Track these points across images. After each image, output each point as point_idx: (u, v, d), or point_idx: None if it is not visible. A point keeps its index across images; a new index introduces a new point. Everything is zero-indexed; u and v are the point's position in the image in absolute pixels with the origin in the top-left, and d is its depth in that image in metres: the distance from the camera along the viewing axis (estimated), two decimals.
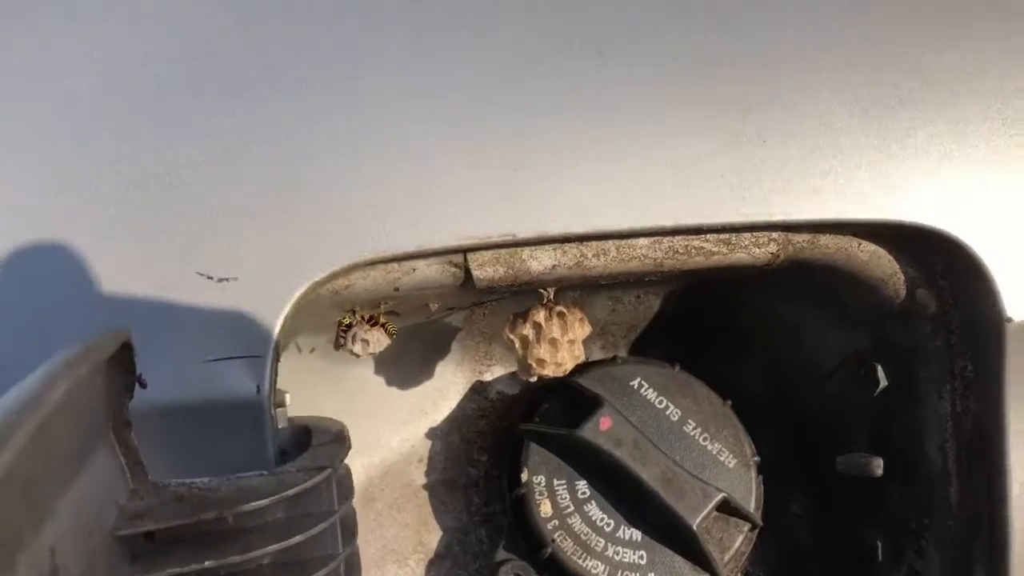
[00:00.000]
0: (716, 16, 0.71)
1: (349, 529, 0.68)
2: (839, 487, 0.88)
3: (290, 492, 0.59)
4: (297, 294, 0.66)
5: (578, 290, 0.84)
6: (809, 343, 0.89)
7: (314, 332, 0.86)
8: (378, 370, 0.94)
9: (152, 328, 0.64)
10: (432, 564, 0.93)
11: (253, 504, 0.57)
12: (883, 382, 0.80)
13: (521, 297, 0.82)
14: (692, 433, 0.85)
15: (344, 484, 0.68)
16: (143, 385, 0.58)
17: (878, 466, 0.80)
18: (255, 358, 0.66)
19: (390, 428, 0.96)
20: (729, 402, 0.87)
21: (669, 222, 0.69)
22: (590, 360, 0.93)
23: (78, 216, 0.64)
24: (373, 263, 0.68)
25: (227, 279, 0.65)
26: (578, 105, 0.68)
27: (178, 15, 0.68)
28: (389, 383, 0.94)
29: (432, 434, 0.97)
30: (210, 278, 0.65)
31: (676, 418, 0.85)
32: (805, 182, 0.70)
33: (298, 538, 0.58)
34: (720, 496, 0.81)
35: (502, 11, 0.70)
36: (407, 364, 0.94)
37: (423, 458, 0.96)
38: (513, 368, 0.98)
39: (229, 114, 0.66)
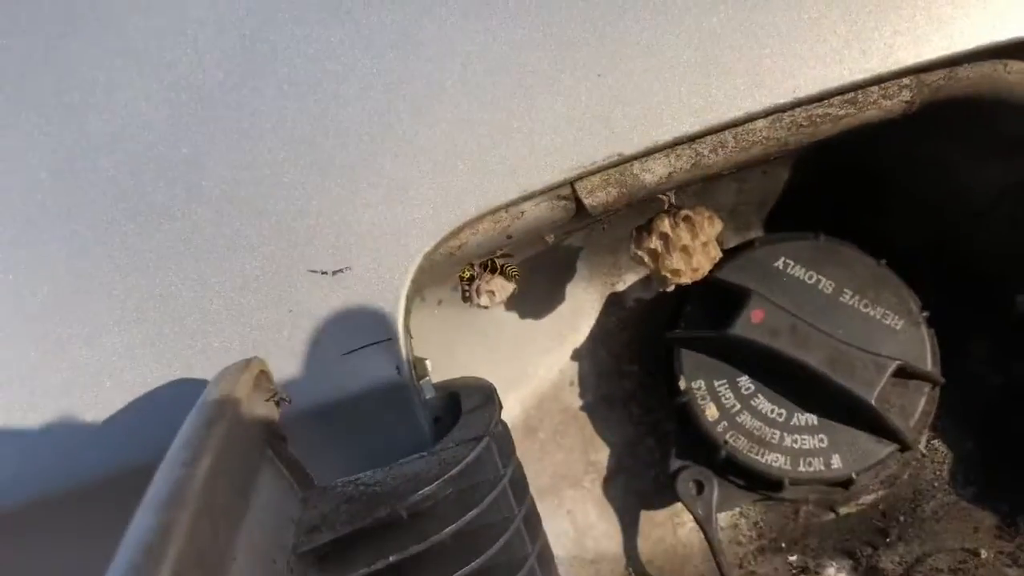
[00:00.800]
0: None
1: (520, 486, 0.67)
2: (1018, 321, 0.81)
3: (454, 471, 0.58)
4: (412, 269, 0.64)
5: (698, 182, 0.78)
6: (961, 180, 0.81)
7: (438, 284, 0.84)
8: (509, 306, 0.91)
9: (282, 336, 0.63)
10: (607, 481, 0.93)
11: (422, 492, 0.56)
12: None
13: (638, 208, 0.77)
14: (850, 303, 0.79)
15: (504, 444, 0.67)
16: (288, 402, 0.58)
17: None
18: (387, 341, 0.64)
19: (534, 359, 0.94)
20: (884, 261, 0.81)
21: (788, 98, 0.62)
22: (725, 249, 0.87)
23: (182, 240, 0.63)
24: (480, 219, 0.65)
25: (341, 270, 0.63)
26: None
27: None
28: (523, 316, 0.92)
29: (577, 355, 0.94)
30: (324, 273, 0.63)
31: (830, 291, 0.80)
32: (931, 13, 0.61)
33: (472, 513, 0.58)
34: (894, 364, 0.75)
35: None
36: (536, 293, 0.92)
37: (574, 380, 0.95)
38: (645, 271, 0.94)
39: (319, 113, 0.63)
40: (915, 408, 0.78)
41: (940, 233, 0.87)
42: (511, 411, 0.94)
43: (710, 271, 0.78)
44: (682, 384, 0.82)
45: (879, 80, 0.63)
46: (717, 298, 0.81)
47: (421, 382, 0.68)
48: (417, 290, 0.72)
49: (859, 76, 0.62)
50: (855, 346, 0.76)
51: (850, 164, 0.85)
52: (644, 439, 0.93)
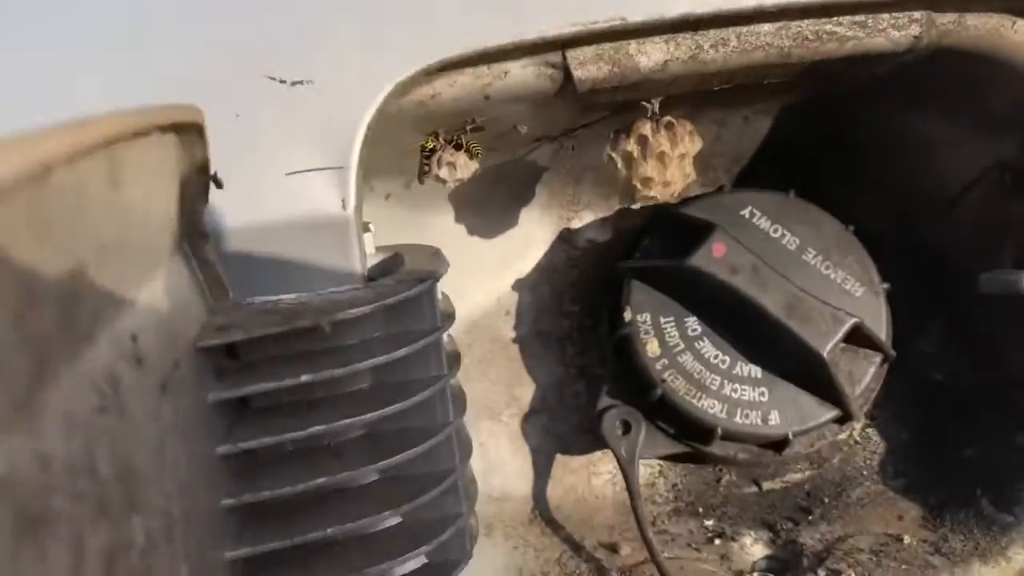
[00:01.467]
0: None
1: (454, 356, 0.62)
2: (979, 315, 0.79)
3: (391, 301, 0.52)
4: (381, 96, 0.58)
5: (683, 108, 0.75)
6: (941, 160, 0.80)
7: (391, 174, 0.78)
8: (459, 218, 0.86)
9: (222, 140, 0.57)
10: (527, 419, 0.87)
11: (352, 311, 0.50)
12: None
13: (619, 119, 0.74)
14: (812, 262, 0.77)
15: (446, 308, 0.61)
16: (218, 184, 0.51)
17: None
18: (337, 169, 0.58)
19: (475, 281, 0.89)
20: (852, 227, 0.78)
21: None
22: (689, 196, 0.84)
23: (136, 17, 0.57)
24: (463, 63, 0.60)
25: (301, 83, 0.58)
26: None
27: None
28: (471, 232, 0.87)
29: (519, 286, 0.90)
30: (282, 82, 0.58)
31: (794, 247, 0.77)
32: None
33: (404, 351, 0.52)
34: (852, 321, 0.73)
35: None
36: (490, 211, 0.87)
37: (511, 311, 0.90)
38: (603, 214, 0.90)
39: None
40: (863, 376, 0.76)
41: (911, 216, 0.85)
42: None
43: (675, 204, 0.75)
44: (627, 315, 0.77)
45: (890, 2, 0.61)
46: (677, 232, 0.78)
47: (364, 235, 0.63)
48: (374, 155, 0.67)
49: None
50: (815, 296, 0.73)
51: (832, 128, 0.83)
52: (574, 382, 0.88)
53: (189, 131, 0.46)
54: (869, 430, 0.86)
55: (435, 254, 0.64)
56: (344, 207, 0.59)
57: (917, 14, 0.63)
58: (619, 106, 0.71)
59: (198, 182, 0.50)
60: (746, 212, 0.78)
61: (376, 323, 0.55)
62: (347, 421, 0.51)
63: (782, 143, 0.85)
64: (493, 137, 0.73)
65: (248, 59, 0.57)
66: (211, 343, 0.48)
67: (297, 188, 0.58)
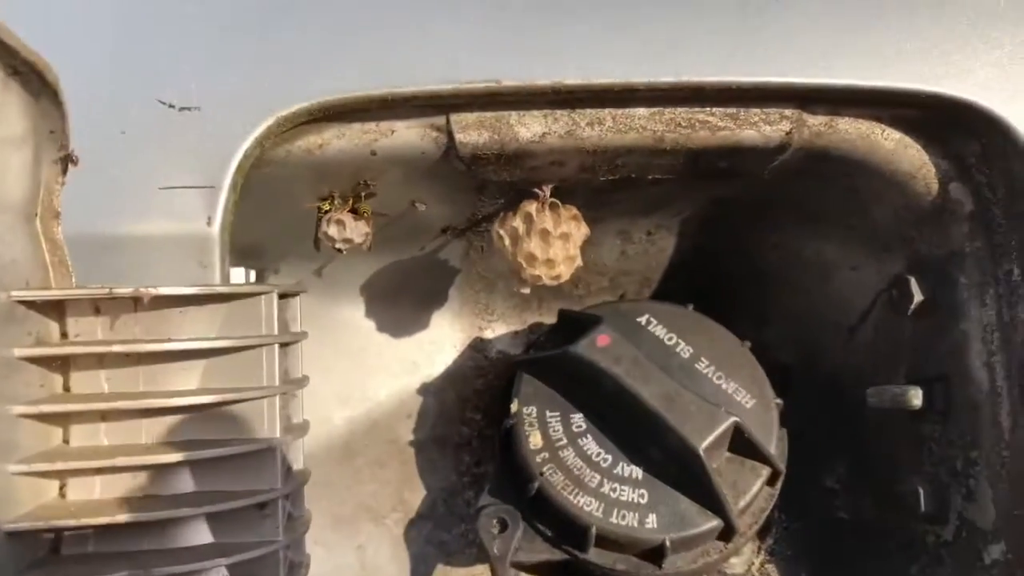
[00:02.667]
0: None
1: (294, 379, 0.61)
2: (875, 438, 0.77)
3: (220, 289, 0.53)
4: (261, 127, 0.62)
5: (580, 206, 0.77)
6: (840, 285, 0.80)
7: (301, 258, 0.81)
8: (369, 312, 0.87)
9: (105, 151, 0.60)
10: (412, 524, 0.83)
11: (174, 289, 0.51)
12: (917, 296, 0.70)
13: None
14: (704, 371, 0.76)
15: (287, 325, 0.61)
16: (74, 161, 0.54)
17: (915, 396, 0.70)
18: (209, 189, 0.61)
19: (379, 380, 0.88)
20: (748, 343, 0.78)
21: (668, 76, 0.64)
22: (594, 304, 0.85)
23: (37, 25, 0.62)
24: (345, 113, 0.64)
25: (189, 108, 0.62)
26: None
27: None
28: (381, 329, 0.88)
29: (424, 389, 0.89)
30: (171, 107, 0.62)
31: (687, 355, 0.77)
32: (821, 40, 0.64)
33: (227, 342, 0.52)
34: (731, 420, 0.71)
35: None
36: (401, 309, 0.88)
37: (412, 414, 0.88)
38: (516, 327, 0.91)
39: None
40: (748, 489, 0.72)
41: (814, 349, 0.85)
42: (337, 428, 0.87)
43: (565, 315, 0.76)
44: (514, 407, 0.76)
45: (761, 92, 0.65)
46: (570, 329, 0.78)
47: (232, 268, 0.64)
48: (277, 202, 0.70)
49: (741, 78, 0.64)
50: (695, 392, 0.72)
51: (735, 251, 0.85)
52: (464, 491, 0.85)
53: (45, 96, 0.49)
54: (769, 566, 0.80)
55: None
56: (210, 224, 0.60)
57: (788, 111, 0.67)
58: (515, 193, 0.74)
59: (56, 160, 0.53)
60: (643, 319, 0.79)
61: (210, 321, 0.54)
62: None
63: (688, 265, 0.86)
64: (394, 220, 0.76)
65: (143, 81, 0.62)
66: (27, 297, 0.48)
67: (169, 202, 0.61)
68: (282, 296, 0.63)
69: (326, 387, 0.87)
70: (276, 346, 0.55)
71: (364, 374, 0.88)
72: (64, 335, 0.52)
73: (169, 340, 0.51)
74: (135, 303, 0.52)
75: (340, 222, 0.71)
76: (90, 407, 0.50)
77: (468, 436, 0.87)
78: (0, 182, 0.48)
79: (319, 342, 0.85)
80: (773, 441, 0.74)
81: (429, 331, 0.89)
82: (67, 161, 0.53)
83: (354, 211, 0.72)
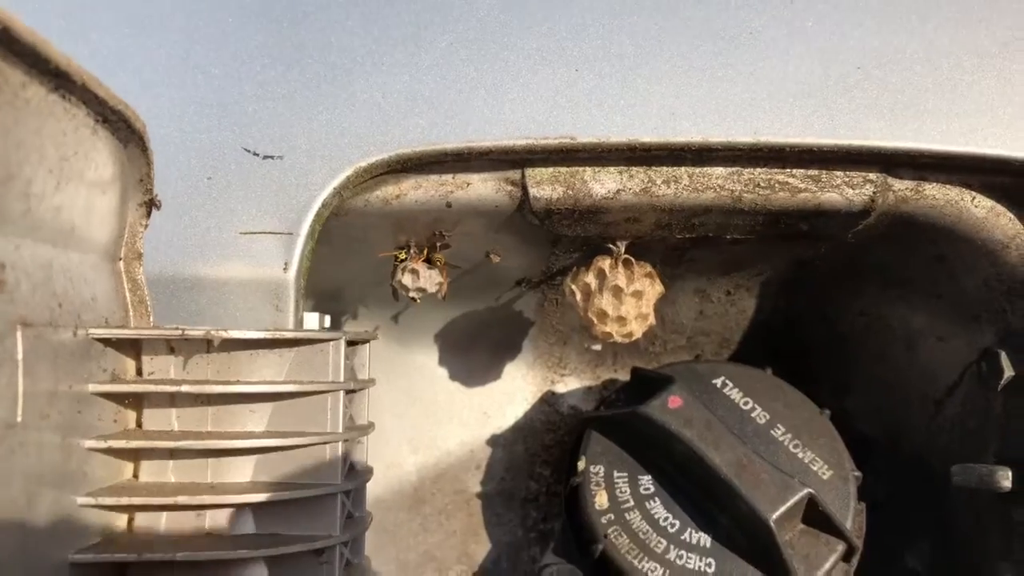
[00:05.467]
0: None
1: (359, 428, 0.61)
2: (962, 519, 0.73)
3: (287, 335, 0.54)
4: (340, 178, 0.63)
5: (657, 264, 0.77)
6: (926, 355, 0.77)
7: (380, 304, 0.82)
8: (442, 360, 0.88)
9: (191, 195, 0.63)
10: None
11: (244, 333, 0.52)
12: (1008, 371, 0.67)
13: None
14: (781, 438, 0.73)
15: (354, 372, 0.62)
16: (158, 206, 0.56)
17: (1004, 477, 0.66)
18: (287, 235, 0.63)
19: (449, 429, 0.89)
20: (828, 412, 0.75)
21: (747, 138, 0.63)
22: (670, 362, 0.84)
23: (130, 78, 0.65)
24: (422, 165, 0.65)
25: (272, 157, 0.64)
26: (649, 7, 0.65)
27: None
28: (453, 377, 0.88)
29: (494, 441, 0.88)
30: (256, 154, 0.64)
31: (763, 421, 0.74)
32: (910, 104, 0.62)
33: (294, 386, 0.53)
34: (804, 491, 0.68)
35: None
36: (474, 359, 0.88)
37: (481, 465, 0.88)
38: (589, 382, 0.90)
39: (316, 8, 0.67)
40: (821, 564, 0.69)
41: (898, 421, 0.81)
42: (407, 475, 0.87)
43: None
44: (581, 464, 0.75)
45: (845, 154, 0.63)
46: (643, 389, 0.77)
47: (307, 314, 0.66)
48: (358, 249, 0.71)
49: (824, 141, 0.63)
50: (768, 460, 0.69)
51: (817, 314, 0.83)
52: (530, 547, 0.84)
53: (132, 143, 0.52)
54: None
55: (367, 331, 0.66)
56: (286, 270, 0.62)
57: (872, 175, 0.65)
58: (589, 247, 0.74)
59: (140, 204, 0.55)
60: (718, 381, 0.77)
61: (278, 366, 0.56)
62: None
63: (768, 327, 0.84)
64: (469, 271, 0.76)
65: (230, 129, 0.64)
66: (103, 334, 0.50)
67: (248, 246, 0.62)
68: (352, 343, 0.64)
69: (398, 432, 0.88)
70: (342, 393, 0.56)
71: (435, 422, 0.88)
72: (139, 372, 0.54)
73: (238, 383, 0.53)
74: (207, 344, 0.53)
75: (414, 271, 0.71)
76: (158, 445, 0.52)
77: (536, 491, 0.86)
78: (86, 223, 0.50)
79: (392, 386, 0.87)
80: (850, 515, 0.70)
81: (501, 382, 0.89)
82: (151, 205, 0.55)
83: (429, 260, 0.73)
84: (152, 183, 0.55)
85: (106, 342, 0.51)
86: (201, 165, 0.64)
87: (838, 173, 0.65)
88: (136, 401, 0.54)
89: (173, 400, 0.54)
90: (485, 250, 0.75)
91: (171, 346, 0.53)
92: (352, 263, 0.75)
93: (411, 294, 0.72)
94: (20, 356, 0.43)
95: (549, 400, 0.89)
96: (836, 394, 0.83)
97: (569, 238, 0.72)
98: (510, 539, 0.84)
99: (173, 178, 0.63)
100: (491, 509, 0.86)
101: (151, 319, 0.57)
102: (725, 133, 0.63)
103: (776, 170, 0.65)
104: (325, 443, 0.55)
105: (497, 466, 0.87)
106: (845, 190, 0.65)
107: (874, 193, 0.65)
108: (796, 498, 0.68)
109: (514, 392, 0.89)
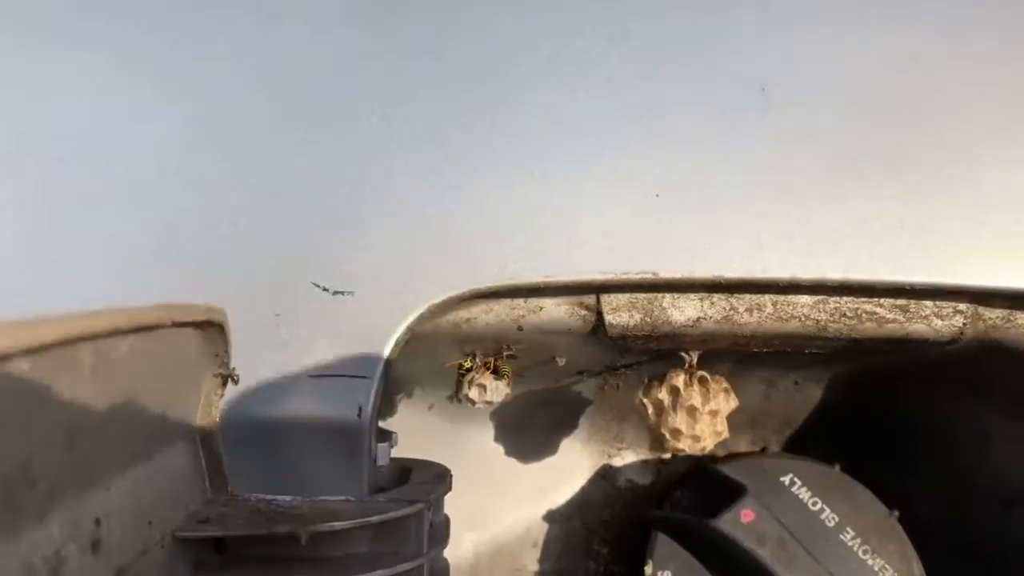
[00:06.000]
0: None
1: None
2: None
3: (374, 519, 0.52)
4: (413, 316, 0.61)
5: (727, 364, 0.75)
6: (999, 456, 0.76)
7: (436, 386, 0.80)
8: (499, 437, 0.87)
9: (258, 336, 0.60)
10: None
11: (330, 525, 0.50)
12: None
13: (660, 364, 0.74)
14: (850, 543, 0.72)
15: (438, 530, 0.61)
16: (235, 381, 0.54)
17: None
18: (361, 379, 0.60)
19: (505, 504, 0.88)
20: (896, 513, 0.74)
21: (837, 274, 0.60)
22: (735, 452, 0.83)
23: (196, 210, 0.62)
24: (496, 294, 0.63)
25: (343, 292, 0.61)
26: (736, 132, 0.62)
27: (321, 23, 0.66)
28: (509, 453, 0.87)
29: (551, 517, 0.88)
30: (325, 290, 0.61)
31: (832, 524, 0.73)
32: (1002, 243, 0.60)
33: (379, 574, 0.51)
34: None
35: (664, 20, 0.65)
36: (530, 435, 0.87)
37: (538, 543, 0.87)
38: (646, 456, 0.89)
39: (365, 123, 0.63)
40: None
41: (962, 513, 0.80)
42: (463, 551, 0.87)
43: (712, 460, 0.74)
44: (648, 569, 0.74)
45: (933, 291, 0.61)
46: (711, 489, 0.76)
47: (379, 445, 0.64)
48: (415, 365, 0.69)
49: (914, 279, 0.60)
50: None
51: (886, 407, 0.81)
52: None
53: (211, 328, 0.49)
54: None
55: (441, 476, 0.64)
56: (360, 415, 0.60)
57: (963, 306, 0.63)
58: (660, 351, 0.72)
59: (216, 375, 0.53)
60: (786, 479, 0.75)
61: (362, 539, 0.54)
62: None
63: (834, 413, 0.83)
64: (531, 366, 0.74)
65: (298, 265, 0.61)
66: (189, 535, 0.49)
67: (318, 391, 0.60)
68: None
69: (452, 509, 0.87)
70: (425, 565, 0.55)
71: (490, 497, 0.88)
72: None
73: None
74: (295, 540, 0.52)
75: (481, 385, 0.69)
76: None
77: (594, 571, 0.86)
78: (167, 415, 0.48)
79: (447, 461, 0.85)
80: None
81: (557, 457, 0.88)
82: (228, 378, 0.53)
83: (495, 371, 0.71)
84: (229, 358, 0.53)
85: (189, 542, 0.49)
86: (271, 301, 0.61)
87: (927, 303, 0.63)
88: None
89: None
90: (550, 354, 0.73)
91: (257, 540, 0.52)
92: (413, 364, 0.73)
93: (477, 406, 0.71)
94: None
95: (606, 474, 0.88)
96: (901, 484, 0.81)
97: (638, 348, 0.70)
98: None
99: (239, 313, 0.60)
100: None
101: (228, 487, 0.56)
102: (815, 270, 0.60)
103: (863, 299, 0.63)
104: None
105: (554, 543, 0.87)
106: (934, 321, 0.63)
107: (964, 324, 0.62)
108: None
109: (570, 467, 0.88)
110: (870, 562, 0.72)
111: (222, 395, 0.54)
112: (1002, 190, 0.61)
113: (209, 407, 0.54)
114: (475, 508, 0.87)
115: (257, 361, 0.60)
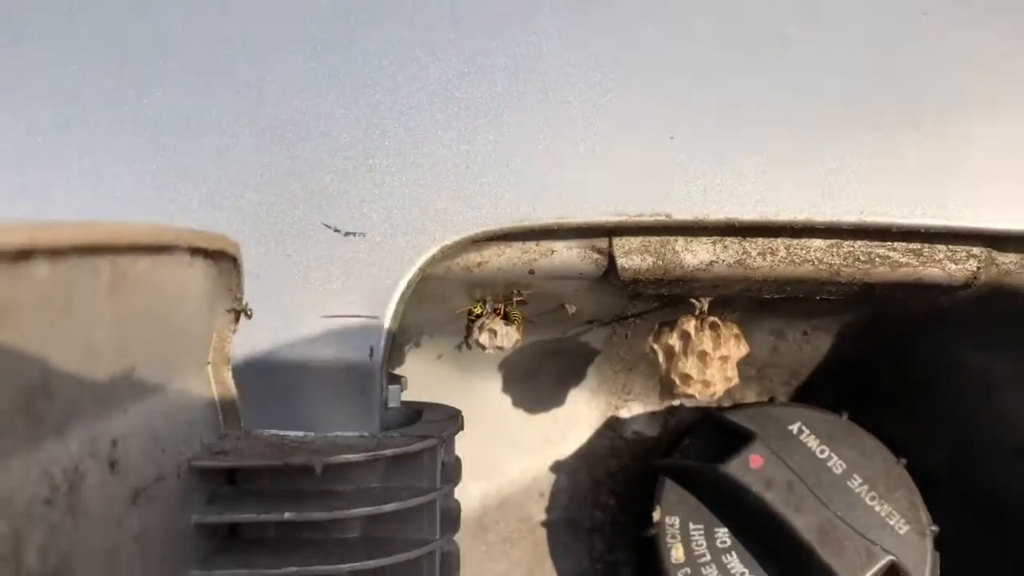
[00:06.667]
0: None
1: (450, 520, 0.61)
2: None
3: (387, 452, 0.52)
4: (424, 257, 0.61)
5: (737, 311, 0.75)
6: (1007, 402, 0.76)
7: (445, 334, 0.80)
8: (506, 388, 0.87)
9: (270, 276, 0.60)
10: None
11: (344, 457, 0.51)
12: None
13: (669, 312, 0.74)
14: (858, 490, 0.73)
15: (450, 469, 0.61)
16: (248, 315, 0.54)
17: None
18: (371, 319, 0.60)
19: (512, 455, 0.88)
20: (904, 460, 0.74)
21: (852, 217, 0.60)
22: (742, 402, 0.83)
23: (206, 151, 0.62)
24: (508, 235, 0.62)
25: (354, 234, 0.61)
26: (752, 75, 0.61)
27: None
28: (516, 404, 0.87)
29: (557, 468, 0.88)
30: (337, 231, 0.61)
31: (839, 471, 0.74)
32: (1017, 187, 0.60)
33: (392, 506, 0.52)
34: (887, 559, 0.68)
35: None
36: (538, 385, 0.87)
37: (545, 493, 0.88)
38: (653, 408, 0.89)
39: (376, 67, 0.63)
40: None
41: (970, 459, 0.80)
42: (470, 502, 0.87)
43: (720, 409, 0.74)
44: (656, 515, 0.74)
45: (950, 235, 0.60)
46: (720, 437, 0.76)
47: (391, 387, 0.64)
48: (425, 312, 0.69)
49: (930, 221, 0.60)
50: (851, 526, 0.69)
51: (893, 355, 0.81)
52: None
53: (224, 260, 0.49)
54: None
55: (453, 416, 0.64)
56: (371, 356, 0.60)
57: (976, 250, 0.62)
58: (670, 299, 0.71)
59: (229, 310, 0.53)
60: (794, 427, 0.76)
61: (374, 473, 0.54)
62: (322, 568, 0.50)
63: (842, 362, 0.83)
64: (541, 313, 0.74)
65: (310, 206, 0.61)
66: (204, 464, 0.49)
67: (330, 331, 0.60)
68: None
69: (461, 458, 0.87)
70: (437, 500, 0.55)
71: (496, 447, 0.88)
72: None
73: (335, 509, 0.51)
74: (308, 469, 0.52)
75: (492, 331, 0.69)
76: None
77: (601, 521, 0.86)
78: (179, 344, 0.48)
79: None
80: (927, 572, 0.71)
81: (564, 408, 0.88)
82: (240, 313, 0.53)
83: (506, 316, 0.71)
84: (242, 293, 0.53)
85: (204, 472, 0.49)
86: (279, 241, 0.61)
87: (940, 247, 0.63)
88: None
89: None
90: (560, 302, 0.73)
91: (271, 469, 0.52)
92: (423, 311, 0.73)
93: (488, 351, 0.71)
94: (136, 531, 0.42)
95: (613, 426, 0.88)
96: (907, 434, 0.82)
97: (650, 294, 0.70)
98: (576, 570, 0.85)
99: (251, 255, 0.60)
100: (556, 538, 0.86)
101: (241, 422, 0.56)
102: (829, 213, 0.60)
103: (877, 243, 0.63)
104: (420, 556, 0.54)
105: (561, 494, 0.87)
106: (947, 265, 0.62)
107: (977, 268, 0.62)
108: (879, 566, 0.68)
109: (577, 417, 0.88)
110: (877, 508, 0.72)
111: (235, 330, 0.54)
112: (1018, 134, 0.61)
113: (223, 342, 0.53)
114: (481, 457, 0.87)
115: (269, 301, 0.60)
